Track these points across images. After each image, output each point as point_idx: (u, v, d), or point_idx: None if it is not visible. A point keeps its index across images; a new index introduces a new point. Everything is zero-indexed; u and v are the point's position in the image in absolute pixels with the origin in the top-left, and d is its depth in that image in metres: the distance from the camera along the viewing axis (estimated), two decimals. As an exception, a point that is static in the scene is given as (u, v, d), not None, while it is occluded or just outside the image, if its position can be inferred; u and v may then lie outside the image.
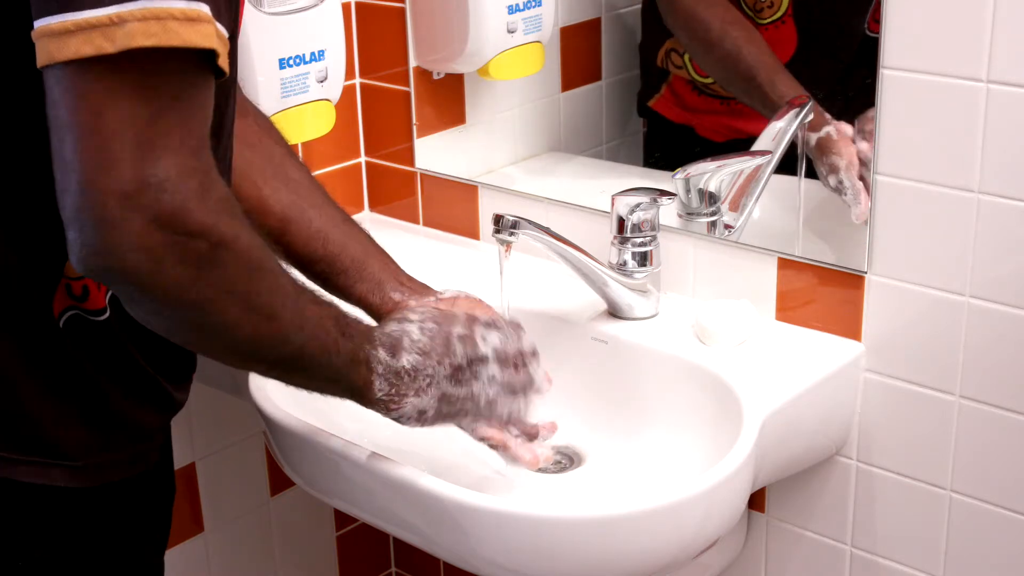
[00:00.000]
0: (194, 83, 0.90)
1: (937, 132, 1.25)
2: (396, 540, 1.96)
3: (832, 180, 1.38)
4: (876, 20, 1.26)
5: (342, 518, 1.88)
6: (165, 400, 1.13)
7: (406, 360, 1.11)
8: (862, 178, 1.34)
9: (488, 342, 1.16)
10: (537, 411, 1.23)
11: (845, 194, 1.36)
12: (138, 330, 1.04)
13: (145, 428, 1.12)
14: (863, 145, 1.33)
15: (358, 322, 1.11)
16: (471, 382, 1.15)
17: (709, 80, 1.55)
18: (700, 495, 1.14)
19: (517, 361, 1.18)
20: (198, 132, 0.90)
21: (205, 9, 0.88)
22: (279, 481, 1.78)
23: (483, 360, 1.15)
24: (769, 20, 1.47)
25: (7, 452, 1.03)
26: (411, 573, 1.98)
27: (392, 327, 1.13)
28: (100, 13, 0.85)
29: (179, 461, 1.64)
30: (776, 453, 1.27)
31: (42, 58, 0.86)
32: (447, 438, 1.25)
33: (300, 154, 1.67)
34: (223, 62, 0.90)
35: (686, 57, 1.56)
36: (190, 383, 1.18)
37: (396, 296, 1.24)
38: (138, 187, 0.86)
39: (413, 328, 1.13)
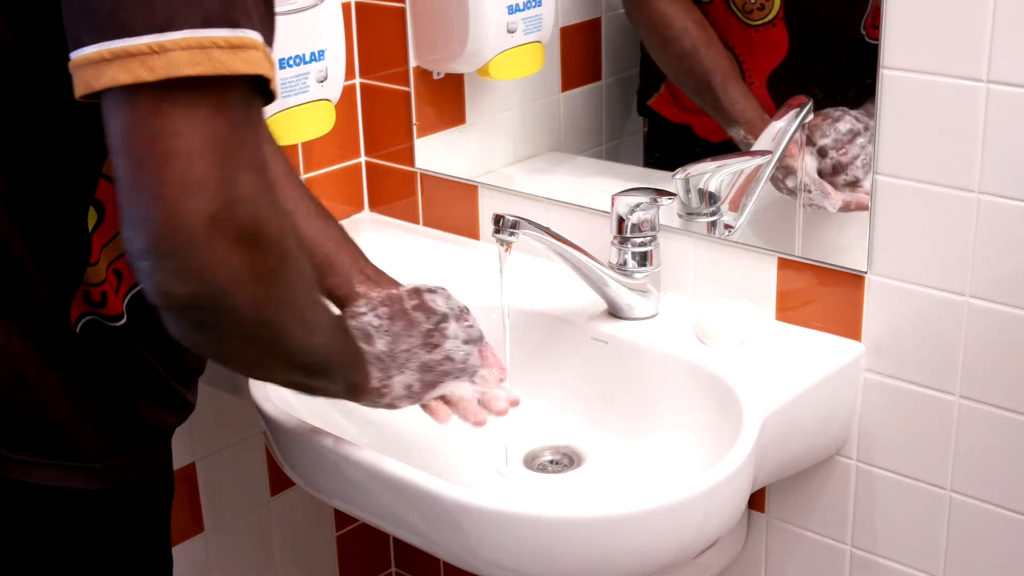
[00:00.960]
0: (250, 104, 0.90)
1: (937, 132, 1.25)
2: (396, 540, 1.96)
3: (790, 183, 1.39)
4: (875, 26, 1.26)
5: (342, 518, 1.89)
6: (179, 401, 1.14)
7: (380, 344, 1.16)
8: (820, 173, 1.35)
9: (439, 304, 1.21)
10: (535, 409, 1.23)
11: (811, 192, 1.37)
12: (153, 335, 1.06)
13: (162, 429, 1.14)
14: (824, 140, 1.34)
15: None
16: (443, 342, 1.20)
17: None
18: (700, 495, 1.14)
19: (465, 314, 1.24)
20: (262, 150, 0.91)
21: (253, 36, 0.88)
22: (279, 481, 1.78)
23: (445, 318, 1.21)
24: (760, 22, 1.47)
25: (27, 455, 1.03)
26: (411, 573, 1.98)
27: (352, 323, 1.17)
28: (139, 41, 0.84)
29: (179, 461, 1.64)
30: (776, 453, 1.27)
31: (79, 88, 0.86)
32: (447, 437, 1.25)
33: (300, 154, 1.67)
34: (274, 85, 0.90)
35: None
36: (197, 384, 1.19)
37: (360, 289, 1.26)
38: (223, 206, 0.86)
39: (370, 317, 1.18)
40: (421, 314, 1.20)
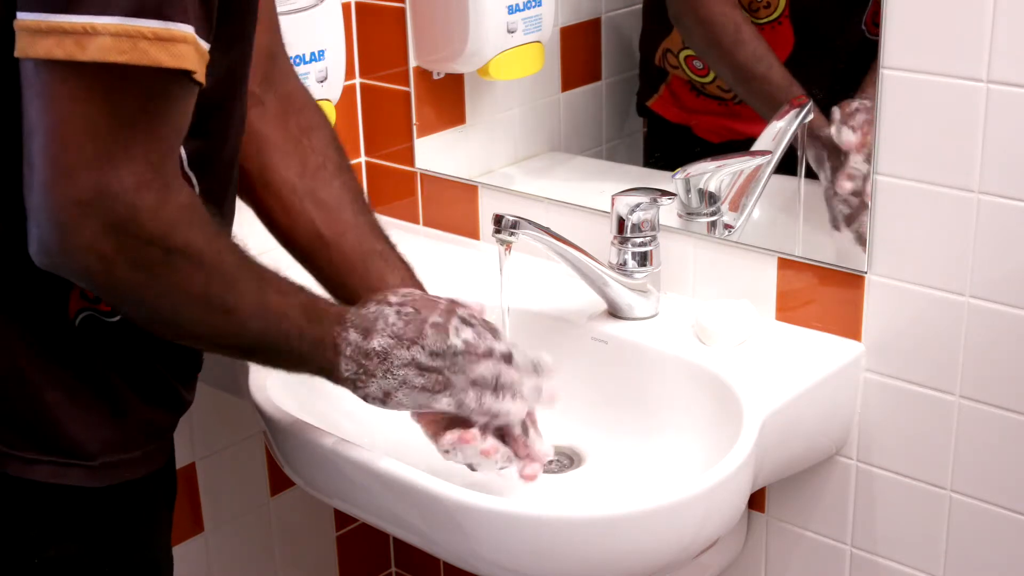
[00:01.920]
0: (166, 95, 0.92)
1: (937, 132, 1.25)
2: (396, 540, 1.96)
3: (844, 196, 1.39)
4: (875, 23, 1.26)
5: (342, 518, 1.88)
6: (176, 399, 1.14)
7: (377, 342, 1.10)
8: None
9: (460, 334, 1.12)
10: (538, 410, 1.23)
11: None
12: (148, 332, 1.06)
13: (159, 427, 1.13)
14: (847, 135, 1.34)
15: (329, 307, 1.12)
16: (443, 372, 1.12)
17: (707, 80, 1.55)
18: (700, 495, 1.14)
19: (486, 356, 1.14)
20: (165, 144, 0.93)
21: (185, 29, 0.90)
22: (279, 481, 1.78)
23: (454, 352, 1.12)
24: (766, 20, 1.47)
25: (25, 452, 1.03)
26: (411, 573, 1.98)
27: (370, 308, 1.12)
28: (74, 20, 0.87)
29: (179, 461, 1.64)
30: (776, 453, 1.27)
31: (17, 50, 0.89)
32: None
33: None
34: (200, 77, 0.92)
35: (681, 57, 1.56)
36: (195, 382, 1.19)
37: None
38: (94, 195, 0.90)
39: (391, 311, 1.11)
40: (433, 334, 1.12)
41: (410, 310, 1.12)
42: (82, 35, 0.87)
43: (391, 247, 1.27)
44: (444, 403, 1.13)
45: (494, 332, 1.16)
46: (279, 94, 1.24)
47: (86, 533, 1.09)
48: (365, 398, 1.13)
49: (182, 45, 0.89)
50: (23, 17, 0.88)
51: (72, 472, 1.05)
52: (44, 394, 1.03)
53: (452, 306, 1.14)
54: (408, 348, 1.10)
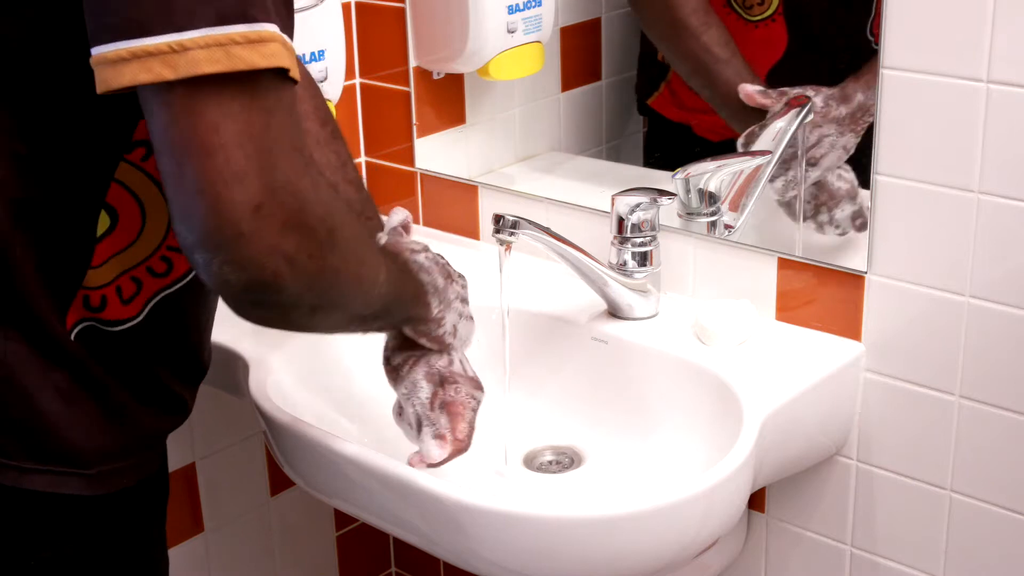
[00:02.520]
0: (279, 90, 0.91)
1: (937, 132, 1.25)
2: (396, 540, 1.96)
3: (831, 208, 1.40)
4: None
5: (342, 518, 1.88)
6: (178, 406, 1.14)
7: (439, 281, 1.20)
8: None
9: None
10: (535, 409, 1.23)
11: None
12: (169, 339, 1.08)
13: (157, 434, 1.13)
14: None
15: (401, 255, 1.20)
16: (459, 302, 1.23)
17: None
18: (700, 495, 1.14)
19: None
20: (299, 131, 0.93)
21: (270, 28, 0.89)
22: (279, 481, 1.78)
23: (460, 281, 1.24)
24: (759, 18, 1.47)
25: (22, 462, 1.03)
26: (411, 573, 1.98)
27: (412, 259, 1.19)
28: (158, 41, 0.85)
29: (179, 461, 1.64)
30: (776, 453, 1.27)
31: (100, 85, 0.87)
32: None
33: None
34: (294, 73, 0.91)
35: None
36: (197, 389, 1.19)
37: None
38: (266, 196, 0.88)
39: (425, 259, 1.20)
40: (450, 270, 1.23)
41: (430, 254, 1.21)
42: (168, 54, 0.85)
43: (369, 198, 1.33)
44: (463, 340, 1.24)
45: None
46: None
47: (82, 538, 1.09)
48: (442, 339, 1.20)
49: (270, 44, 0.88)
50: (99, 51, 0.86)
51: (70, 481, 1.05)
52: (39, 404, 1.02)
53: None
54: (452, 283, 1.22)
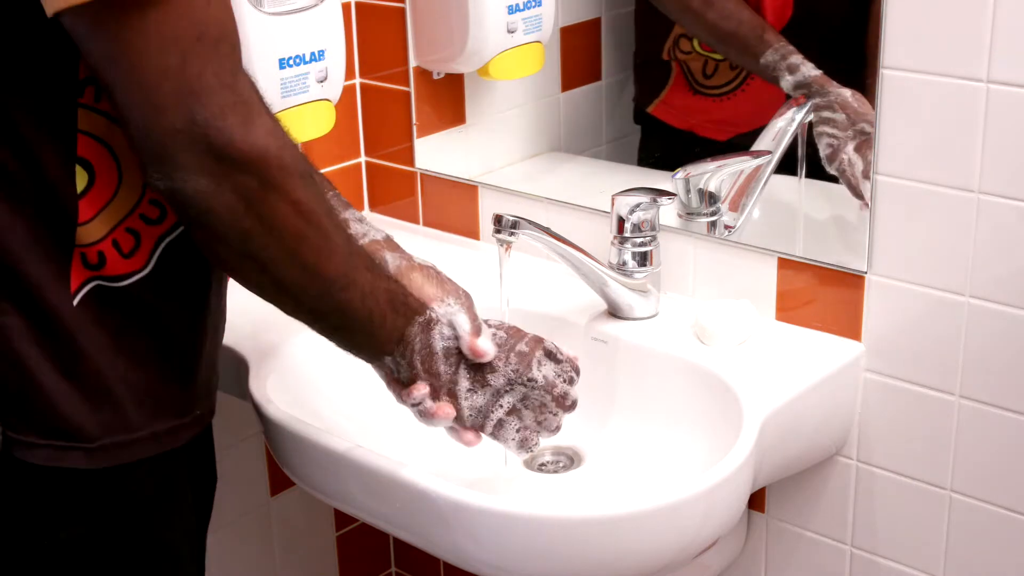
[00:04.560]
0: (207, 6, 0.92)
1: (937, 132, 1.25)
2: (396, 540, 1.96)
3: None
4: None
5: (342, 518, 1.89)
6: (190, 373, 1.12)
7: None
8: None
9: (541, 368, 1.16)
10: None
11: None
12: (175, 291, 1.07)
13: (169, 403, 1.11)
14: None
15: (413, 301, 1.13)
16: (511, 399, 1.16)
17: (716, 56, 1.54)
18: (700, 495, 1.14)
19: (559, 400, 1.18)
20: (230, 63, 0.94)
21: None
22: (279, 481, 1.78)
23: (533, 385, 1.16)
24: None
25: (24, 435, 1.03)
26: (411, 573, 1.98)
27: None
28: None
29: (179, 461, 1.64)
30: (776, 453, 1.27)
31: (48, 7, 0.90)
32: (447, 437, 1.24)
33: (300, 154, 1.67)
34: None
35: (695, 41, 1.55)
36: (217, 354, 1.17)
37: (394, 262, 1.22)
38: (186, 124, 0.92)
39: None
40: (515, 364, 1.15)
41: (503, 335, 1.16)
42: None
43: (323, 176, 1.27)
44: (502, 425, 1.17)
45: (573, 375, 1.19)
46: None
47: (94, 514, 1.08)
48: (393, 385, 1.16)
49: None
50: None
51: (72, 455, 1.04)
52: (40, 375, 1.02)
53: (538, 337, 1.17)
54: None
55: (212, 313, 1.14)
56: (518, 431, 1.16)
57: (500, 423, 1.16)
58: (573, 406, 1.18)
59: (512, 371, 1.14)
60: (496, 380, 1.14)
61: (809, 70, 1.40)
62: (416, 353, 1.12)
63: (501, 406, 1.15)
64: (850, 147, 1.35)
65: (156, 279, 1.06)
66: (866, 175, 1.31)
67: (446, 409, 1.14)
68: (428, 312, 1.13)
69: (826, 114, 1.38)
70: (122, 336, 1.05)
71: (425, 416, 1.14)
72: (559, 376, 1.16)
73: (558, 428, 1.18)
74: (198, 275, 1.11)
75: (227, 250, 1.00)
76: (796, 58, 1.41)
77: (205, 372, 1.15)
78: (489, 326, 1.16)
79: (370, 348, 1.12)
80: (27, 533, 1.06)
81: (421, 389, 1.13)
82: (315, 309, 1.07)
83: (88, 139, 1.01)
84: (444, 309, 1.14)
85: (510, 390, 1.15)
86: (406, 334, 1.11)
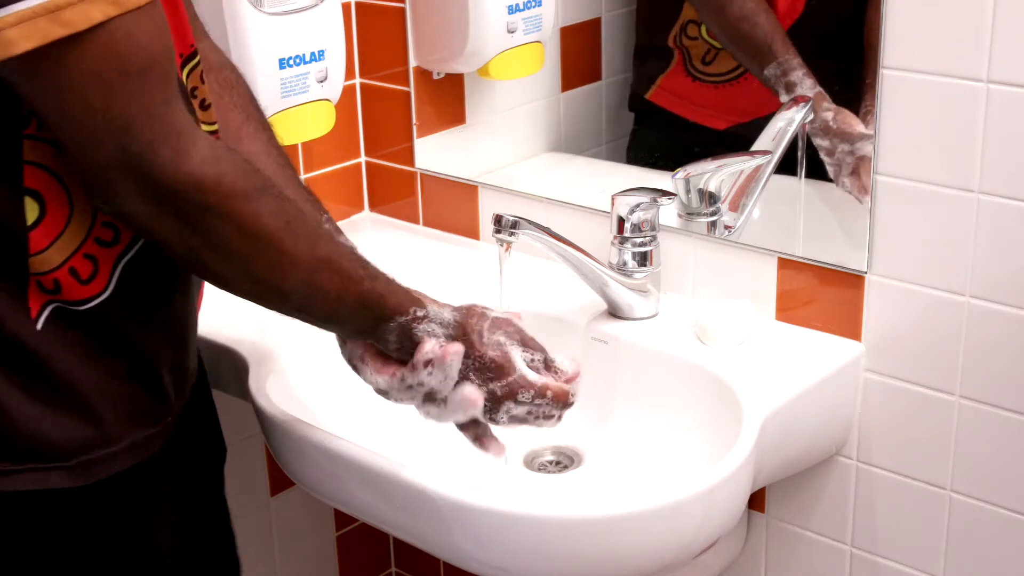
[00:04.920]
0: (129, 40, 0.92)
1: (937, 132, 1.25)
2: (396, 540, 1.96)
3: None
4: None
5: (342, 518, 1.88)
6: (159, 382, 1.11)
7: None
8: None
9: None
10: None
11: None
12: (138, 309, 1.06)
13: (144, 413, 1.10)
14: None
15: (400, 299, 1.13)
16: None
17: (719, 43, 1.54)
18: (700, 495, 1.14)
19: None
20: (160, 93, 0.94)
21: None
22: (279, 481, 1.78)
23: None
24: None
25: (2, 465, 1.02)
26: (411, 573, 1.98)
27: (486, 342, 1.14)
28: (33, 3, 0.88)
29: (179, 461, 1.64)
30: (776, 453, 1.27)
31: None
32: (448, 438, 1.25)
33: (300, 154, 1.67)
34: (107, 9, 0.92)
35: (703, 29, 1.55)
36: (186, 364, 1.16)
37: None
38: (120, 158, 0.93)
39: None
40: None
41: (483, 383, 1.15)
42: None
43: (317, 201, 1.24)
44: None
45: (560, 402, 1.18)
46: None
47: (79, 530, 1.08)
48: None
49: (72, 8, 0.89)
50: None
51: (52, 476, 1.04)
52: (7, 401, 1.01)
53: (516, 386, 1.15)
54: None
55: (180, 321, 1.13)
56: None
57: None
58: (559, 420, 1.19)
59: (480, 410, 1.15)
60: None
61: (806, 89, 1.40)
62: (392, 343, 1.13)
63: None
64: (847, 167, 1.36)
65: (118, 299, 1.05)
66: (865, 191, 1.32)
67: (455, 347, 1.12)
68: (412, 312, 1.12)
69: (820, 142, 1.39)
70: (91, 353, 1.05)
71: (438, 363, 1.12)
72: (532, 414, 1.16)
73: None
74: (161, 289, 1.10)
75: (181, 262, 1.04)
76: (796, 75, 1.41)
77: (178, 379, 1.14)
78: (495, 327, 1.15)
79: (342, 334, 1.15)
80: (15, 555, 1.05)
81: (429, 342, 1.12)
82: (275, 309, 1.09)
83: (36, 169, 1.00)
84: (432, 310, 1.14)
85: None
86: (377, 331, 1.12)
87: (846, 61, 1.38)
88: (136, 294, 1.06)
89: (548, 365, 1.17)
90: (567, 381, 1.17)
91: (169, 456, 1.15)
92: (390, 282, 1.13)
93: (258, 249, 1.02)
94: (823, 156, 1.39)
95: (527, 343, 1.16)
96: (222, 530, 1.30)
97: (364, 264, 1.11)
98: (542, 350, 1.17)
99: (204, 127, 1.09)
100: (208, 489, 1.26)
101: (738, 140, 1.49)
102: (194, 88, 1.09)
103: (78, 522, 1.08)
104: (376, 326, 1.12)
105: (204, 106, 1.12)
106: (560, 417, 1.18)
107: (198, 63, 1.10)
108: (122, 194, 0.96)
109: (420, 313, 1.12)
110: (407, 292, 1.14)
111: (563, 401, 1.17)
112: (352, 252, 1.11)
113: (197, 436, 1.21)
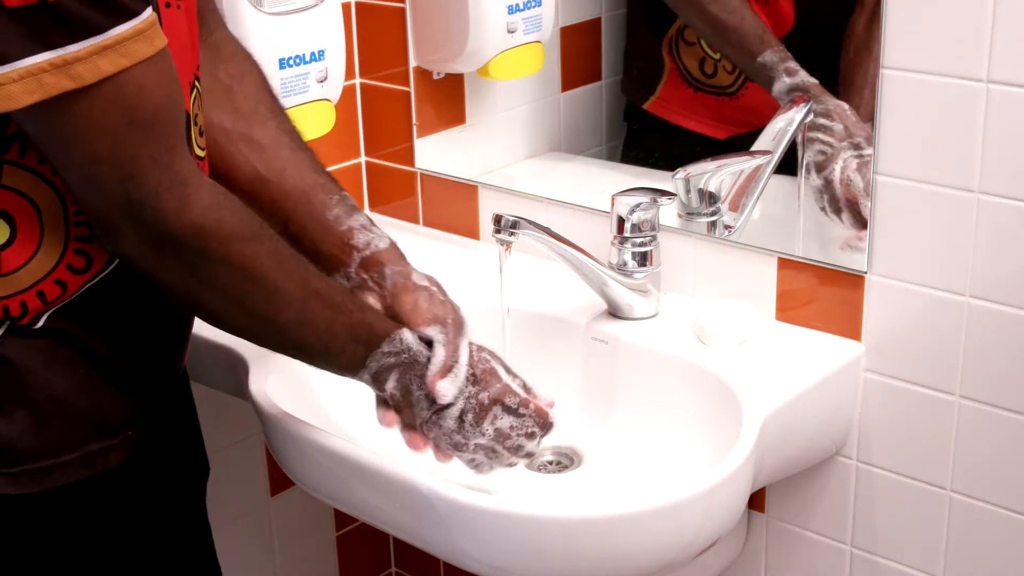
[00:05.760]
0: (139, 92, 0.93)
1: (937, 132, 1.25)
2: (396, 540, 1.96)
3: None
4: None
5: (342, 518, 1.89)
6: (114, 393, 1.09)
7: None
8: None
9: (496, 422, 1.18)
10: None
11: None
12: (91, 327, 1.06)
13: (96, 425, 1.08)
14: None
15: (383, 329, 1.15)
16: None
17: (716, 54, 1.54)
18: (700, 495, 1.14)
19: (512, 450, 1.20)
20: (166, 143, 0.95)
21: (149, 12, 0.92)
22: (279, 481, 1.78)
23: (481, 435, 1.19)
24: None
25: None
26: (411, 573, 1.98)
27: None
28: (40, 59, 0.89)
29: (179, 461, 1.64)
30: (776, 453, 1.27)
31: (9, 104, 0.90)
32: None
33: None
34: (159, 32, 0.94)
35: (702, 41, 1.55)
36: (177, 366, 1.16)
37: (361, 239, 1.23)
38: (123, 205, 0.95)
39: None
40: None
41: (469, 386, 1.18)
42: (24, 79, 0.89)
43: (332, 180, 1.26)
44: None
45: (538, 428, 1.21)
46: (207, 44, 1.21)
47: (25, 537, 1.07)
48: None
49: (81, 63, 0.90)
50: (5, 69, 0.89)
51: None
52: None
53: (504, 391, 1.18)
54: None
55: (148, 338, 1.12)
56: (470, 460, 1.20)
57: (456, 445, 1.19)
58: (530, 455, 1.21)
59: (464, 422, 1.17)
60: (446, 423, 1.17)
61: (806, 76, 1.41)
62: (380, 377, 1.15)
63: (451, 442, 1.18)
64: (845, 157, 1.36)
65: (74, 312, 1.04)
66: (867, 192, 1.32)
67: (416, 441, 1.19)
68: (397, 336, 1.15)
69: (822, 121, 1.38)
70: (47, 362, 1.04)
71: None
72: (515, 430, 1.18)
73: (513, 465, 1.22)
74: (122, 308, 1.08)
75: (176, 300, 1.07)
76: (794, 63, 1.41)
77: (143, 394, 1.12)
78: (481, 349, 1.19)
79: (335, 372, 1.17)
80: None
81: (390, 421, 1.18)
82: (271, 345, 1.14)
83: (10, 193, 1.00)
84: (418, 336, 1.16)
85: (459, 430, 1.17)
86: (368, 362, 1.14)
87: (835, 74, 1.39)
88: (94, 310, 1.06)
89: (527, 390, 1.21)
90: (546, 406, 1.21)
91: (136, 472, 1.12)
92: (376, 312, 1.17)
93: (255, 286, 1.05)
94: (819, 145, 1.39)
95: (509, 369, 1.21)
96: (202, 552, 1.28)
97: (352, 297, 1.15)
98: (522, 378, 1.21)
99: (198, 151, 1.11)
100: (187, 508, 1.24)
101: (738, 150, 1.49)
102: (195, 115, 1.10)
103: (23, 529, 1.07)
104: (367, 355, 1.14)
105: (203, 132, 1.14)
106: (539, 442, 1.21)
107: (199, 90, 1.12)
108: (124, 236, 0.98)
109: (400, 344, 1.15)
110: (393, 323, 1.17)
111: (543, 419, 1.20)
112: (340, 287, 1.16)
113: (174, 454, 1.20)
